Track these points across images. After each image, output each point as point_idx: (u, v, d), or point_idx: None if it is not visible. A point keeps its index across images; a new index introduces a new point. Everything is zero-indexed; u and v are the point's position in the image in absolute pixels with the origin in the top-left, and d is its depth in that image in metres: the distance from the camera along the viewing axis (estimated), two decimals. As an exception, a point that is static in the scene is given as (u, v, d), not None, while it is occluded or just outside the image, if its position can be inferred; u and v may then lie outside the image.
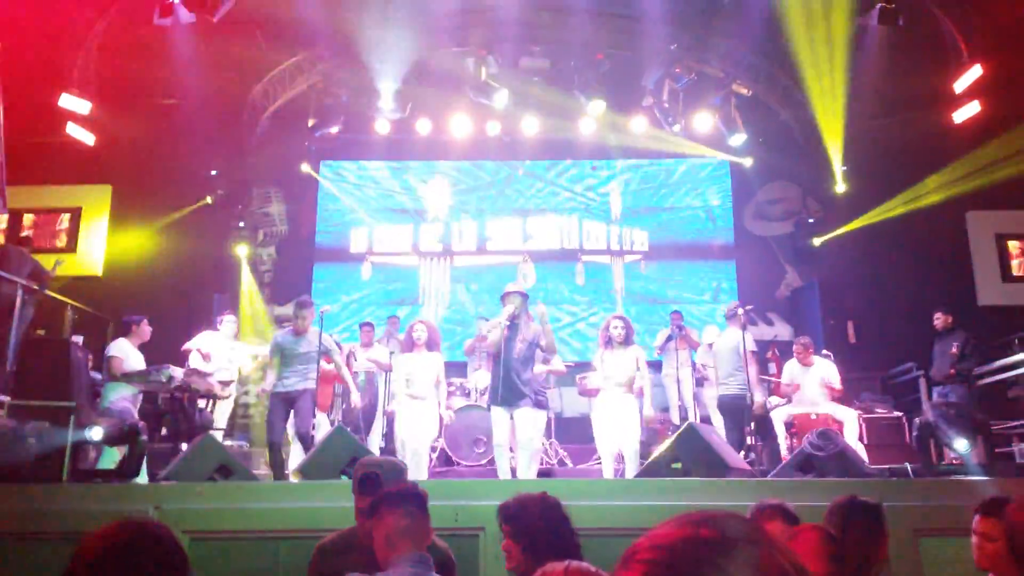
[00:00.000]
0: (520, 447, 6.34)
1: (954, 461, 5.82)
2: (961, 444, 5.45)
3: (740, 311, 7.67)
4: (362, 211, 12.32)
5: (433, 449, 7.65)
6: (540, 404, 6.36)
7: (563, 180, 12.50)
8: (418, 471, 6.48)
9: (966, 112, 9.58)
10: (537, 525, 2.61)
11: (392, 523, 2.55)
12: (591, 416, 6.89)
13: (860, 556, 2.72)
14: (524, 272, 11.96)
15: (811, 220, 11.61)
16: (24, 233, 10.88)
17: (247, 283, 11.46)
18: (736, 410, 7.43)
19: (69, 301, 9.04)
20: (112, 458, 6.07)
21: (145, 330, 7.23)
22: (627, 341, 6.75)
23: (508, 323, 6.31)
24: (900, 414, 8.29)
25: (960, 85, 9.42)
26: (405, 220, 12.37)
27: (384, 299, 11.89)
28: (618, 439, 6.54)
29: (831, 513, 2.91)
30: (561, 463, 8.45)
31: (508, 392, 6.24)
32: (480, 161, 12.43)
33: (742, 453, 7.75)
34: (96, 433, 5.13)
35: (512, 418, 6.27)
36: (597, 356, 6.92)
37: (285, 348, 6.82)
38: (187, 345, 7.84)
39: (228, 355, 7.84)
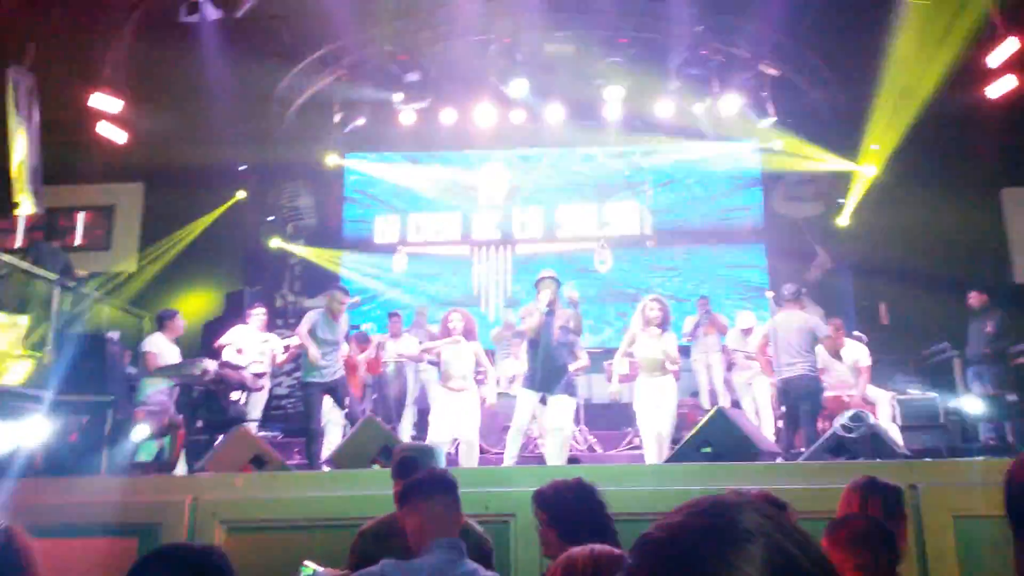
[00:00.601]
0: (551, 433, 6.37)
1: (991, 442, 5.73)
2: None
3: (802, 291, 7.49)
4: (393, 202, 12.36)
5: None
6: (572, 391, 6.40)
7: (592, 167, 12.44)
8: (470, 461, 6.52)
9: (1001, 87, 9.36)
10: (573, 511, 2.62)
11: (424, 510, 2.57)
12: (634, 400, 6.82)
13: None
14: (602, 258, 11.93)
15: (841, 200, 11.44)
16: (59, 232, 11.12)
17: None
18: (809, 392, 7.15)
19: (104, 297, 9.22)
20: (149, 450, 6.21)
21: (179, 324, 7.36)
22: (663, 324, 6.70)
23: (547, 309, 6.35)
24: (935, 395, 8.17)
25: (994, 60, 9.20)
26: (450, 208, 12.35)
27: (422, 290, 11.88)
28: (657, 422, 6.50)
29: (849, 494, 2.89)
30: (591, 449, 8.46)
31: (547, 377, 6.28)
32: (513, 149, 12.42)
33: (773, 436, 7.72)
34: (139, 433, 5.25)
35: (543, 403, 6.32)
36: (627, 338, 6.86)
37: (318, 329, 6.89)
38: (221, 341, 7.94)
39: (260, 347, 7.95)
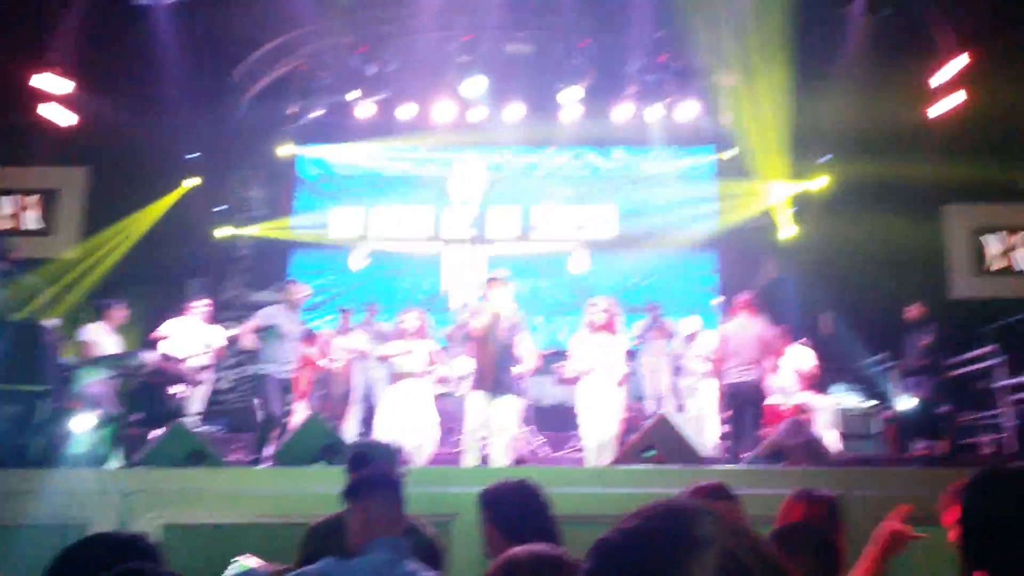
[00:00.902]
0: (497, 434, 6.38)
1: (923, 452, 5.92)
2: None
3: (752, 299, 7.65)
4: (345, 198, 12.22)
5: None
6: (519, 392, 6.44)
7: (546, 168, 12.47)
8: (420, 461, 6.50)
9: (946, 104, 9.65)
10: (516, 510, 2.63)
11: (366, 508, 2.56)
12: (576, 403, 6.85)
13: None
14: (579, 260, 11.90)
15: (792, 210, 11.66)
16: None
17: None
18: (757, 399, 7.33)
19: (42, 284, 8.93)
20: (83, 444, 6.03)
21: (119, 314, 7.16)
22: (610, 327, 6.75)
23: (495, 310, 6.37)
24: (874, 403, 8.40)
25: (940, 77, 9.49)
26: (420, 203, 12.22)
27: (383, 287, 11.73)
28: (601, 424, 6.54)
29: (791, 503, 2.95)
30: (534, 452, 8.48)
31: (497, 379, 6.29)
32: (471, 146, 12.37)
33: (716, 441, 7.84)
34: (81, 423, 5.10)
35: (491, 405, 6.32)
36: (574, 340, 6.89)
37: (281, 325, 6.81)
38: (157, 333, 7.67)
39: (202, 339, 7.77)
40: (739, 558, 0.78)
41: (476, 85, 10.68)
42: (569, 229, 12.12)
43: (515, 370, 6.49)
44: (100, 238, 10.73)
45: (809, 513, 2.87)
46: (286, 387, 6.80)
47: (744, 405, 7.21)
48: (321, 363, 8.35)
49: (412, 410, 6.64)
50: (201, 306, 7.99)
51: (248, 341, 6.86)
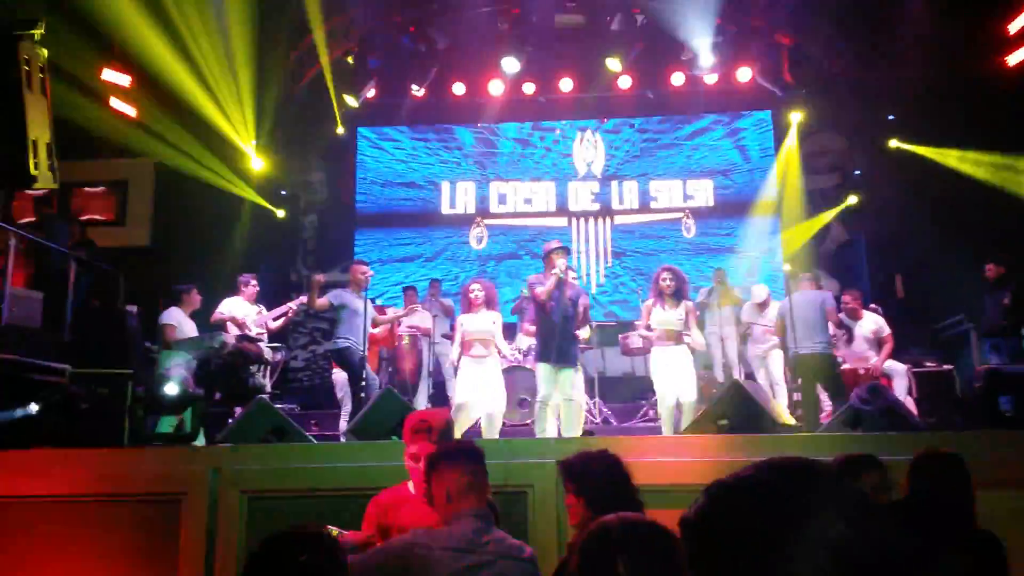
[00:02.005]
0: (564, 404, 6.42)
1: (1007, 414, 5.71)
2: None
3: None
4: (407, 175, 12.33)
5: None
6: (577, 362, 6.47)
7: (603, 139, 12.35)
8: (492, 432, 6.56)
9: (1020, 55, 9.20)
10: (601, 481, 2.63)
11: (453, 479, 2.60)
12: (651, 370, 6.83)
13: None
14: (687, 225, 11.89)
15: (857, 172, 11.33)
16: (74, 208, 11.15)
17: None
18: (824, 368, 7.21)
19: (120, 272, 9.25)
20: (170, 423, 6.26)
21: (195, 298, 7.39)
22: (678, 295, 6.71)
23: (562, 276, 6.40)
24: (950, 367, 8.15)
25: (1015, 26, 9.04)
26: (539, 177, 12.30)
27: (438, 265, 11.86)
28: (676, 391, 6.52)
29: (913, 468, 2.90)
30: (606, 422, 8.50)
31: (560, 349, 6.35)
32: (521, 122, 12.34)
33: (790, 409, 7.73)
34: (171, 388, 5.29)
35: (559, 375, 6.35)
36: (645, 308, 6.87)
37: (350, 306, 6.97)
38: (218, 314, 7.77)
39: (255, 319, 7.90)
40: (863, 516, 0.76)
41: (510, 64, 10.59)
42: (678, 199, 12.05)
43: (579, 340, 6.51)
44: (169, 225, 11.03)
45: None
46: (360, 360, 6.93)
47: (813, 377, 7.13)
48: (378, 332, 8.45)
49: (481, 381, 6.67)
50: (251, 284, 8.06)
51: (321, 309, 7.11)
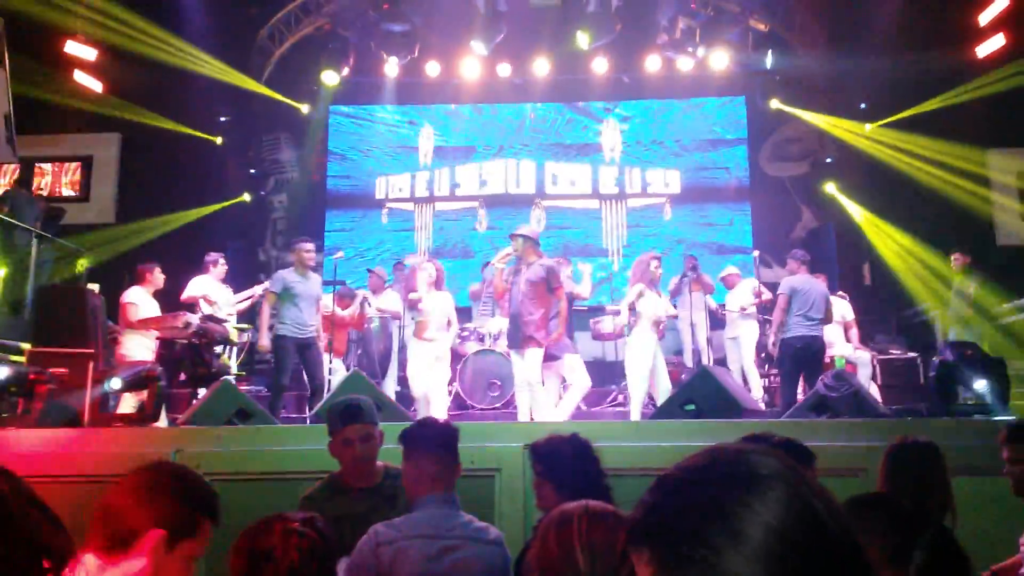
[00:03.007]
0: (519, 387, 6.49)
1: (969, 401, 5.80)
2: (980, 384, 5.42)
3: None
4: (375, 155, 12.21)
5: (448, 393, 7.70)
6: (536, 343, 6.42)
7: (572, 123, 12.30)
8: (437, 413, 6.57)
9: (990, 46, 9.30)
10: (569, 465, 2.62)
11: (425, 465, 2.58)
12: (626, 355, 6.87)
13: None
14: (537, 216, 11.89)
15: (828, 160, 11.41)
16: (36, 182, 10.91)
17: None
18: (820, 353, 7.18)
19: (83, 249, 9.07)
20: (131, 404, 6.16)
21: (158, 277, 7.23)
22: (658, 283, 6.86)
23: (505, 265, 6.44)
24: (915, 355, 8.27)
25: (985, 17, 9.14)
26: (413, 166, 12.24)
27: (399, 246, 11.80)
28: (659, 375, 6.61)
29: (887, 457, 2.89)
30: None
31: (512, 332, 6.48)
32: (492, 104, 12.24)
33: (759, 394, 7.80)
34: (115, 384, 5.20)
35: (523, 358, 6.37)
36: (633, 293, 6.86)
37: (290, 286, 6.74)
38: (188, 294, 7.66)
39: (227, 299, 7.81)
40: (804, 497, 0.75)
41: (478, 46, 10.49)
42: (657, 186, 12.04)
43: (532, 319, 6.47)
44: (135, 202, 10.83)
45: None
46: (303, 347, 6.73)
47: (811, 359, 7.07)
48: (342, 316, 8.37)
49: (427, 362, 6.80)
50: (220, 264, 7.94)
51: (267, 303, 6.83)
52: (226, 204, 11.20)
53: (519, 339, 6.39)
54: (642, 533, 0.78)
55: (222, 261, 7.96)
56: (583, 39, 10.43)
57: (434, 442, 2.65)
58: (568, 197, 12.05)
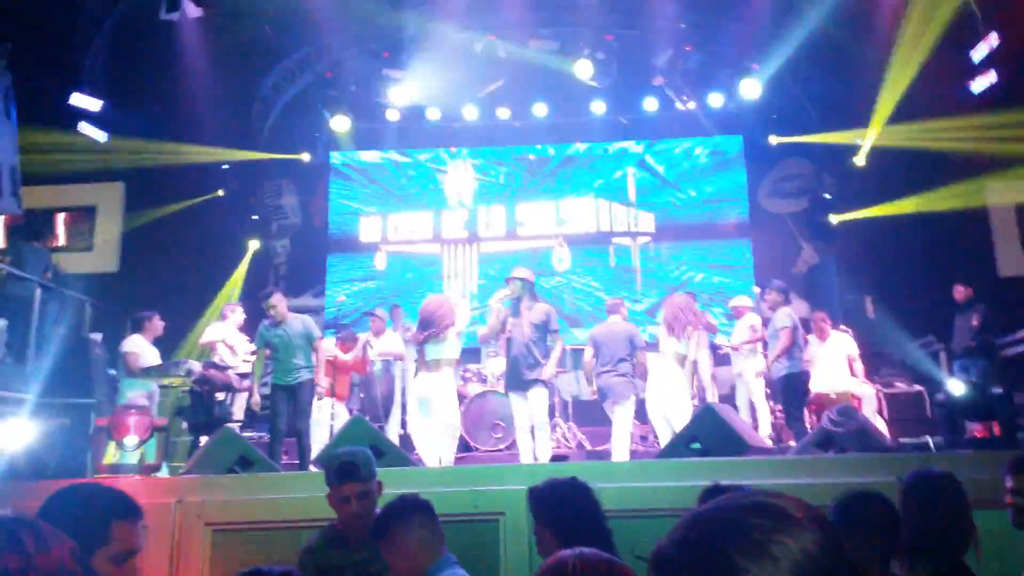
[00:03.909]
0: (536, 428, 6.40)
1: (977, 435, 5.75)
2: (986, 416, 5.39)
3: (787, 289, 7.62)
4: (375, 200, 12.31)
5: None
6: (541, 384, 6.42)
7: (579, 163, 12.40)
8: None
9: (984, 82, 9.42)
10: (569, 510, 2.60)
11: (414, 537, 2.55)
12: (657, 392, 6.79)
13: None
14: (560, 256, 11.91)
15: (827, 196, 11.48)
16: (40, 232, 10.97)
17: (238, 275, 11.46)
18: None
19: (86, 298, 9.10)
20: (133, 453, 6.12)
21: (157, 325, 7.24)
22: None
23: (503, 305, 6.44)
24: (920, 388, 8.22)
25: (978, 55, 9.26)
26: (422, 207, 12.32)
27: (400, 288, 11.83)
28: (670, 415, 6.56)
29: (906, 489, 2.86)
30: (579, 446, 8.44)
31: (516, 376, 6.37)
32: (498, 147, 12.37)
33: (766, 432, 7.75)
34: (131, 442, 5.16)
35: (527, 400, 6.34)
36: (662, 334, 6.90)
37: (268, 340, 6.75)
38: (206, 339, 7.81)
39: (244, 346, 7.88)
40: (830, 535, 0.79)
41: (501, 85, 10.66)
42: (550, 225, 12.12)
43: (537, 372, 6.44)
44: (138, 251, 10.89)
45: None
46: (290, 393, 6.71)
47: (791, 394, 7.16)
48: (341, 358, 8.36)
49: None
50: (237, 312, 8.08)
51: (257, 360, 6.94)
52: (245, 261, 11.34)
53: (524, 381, 6.37)
54: (675, 566, 0.79)
55: (240, 309, 8.10)
56: (584, 68, 10.51)
57: (413, 511, 2.63)
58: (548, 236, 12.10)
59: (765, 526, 0.78)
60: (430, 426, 6.25)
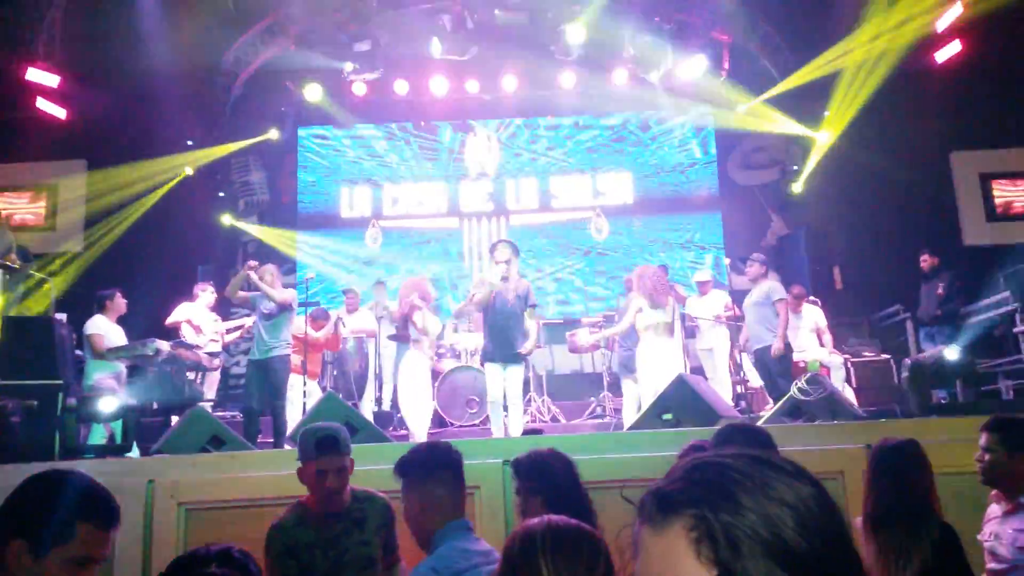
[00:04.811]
0: (512, 403, 6.42)
1: (942, 401, 5.88)
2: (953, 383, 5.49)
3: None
4: (359, 173, 12.13)
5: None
6: (524, 359, 6.49)
7: (545, 139, 12.33)
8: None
9: (948, 52, 9.51)
10: (556, 478, 2.60)
11: (430, 492, 2.46)
12: (638, 364, 6.92)
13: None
14: (598, 226, 11.86)
15: (795, 167, 11.56)
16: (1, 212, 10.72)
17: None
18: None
19: (50, 278, 8.93)
20: (101, 434, 6.05)
21: (120, 303, 7.12)
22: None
23: (495, 280, 6.41)
24: (888, 357, 8.37)
25: (942, 24, 9.34)
26: (432, 179, 12.14)
27: (404, 263, 11.69)
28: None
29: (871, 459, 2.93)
30: (554, 419, 8.50)
31: (505, 348, 6.34)
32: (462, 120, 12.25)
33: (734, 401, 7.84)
34: (106, 404, 5.09)
35: (505, 373, 6.36)
36: (634, 305, 6.91)
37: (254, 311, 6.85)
38: (173, 319, 7.74)
39: (212, 326, 7.80)
40: (823, 489, 0.81)
41: (469, 56, 10.54)
42: (586, 197, 12.00)
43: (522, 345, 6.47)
44: (102, 229, 10.68)
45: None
46: (261, 368, 6.74)
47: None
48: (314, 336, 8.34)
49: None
50: (207, 292, 8.01)
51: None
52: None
53: (511, 354, 6.37)
54: (678, 501, 0.80)
55: (211, 289, 8.03)
56: (576, 32, 10.41)
57: (436, 463, 2.54)
58: (528, 211, 12.06)
59: (767, 473, 0.80)
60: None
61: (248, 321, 8.01)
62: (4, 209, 10.93)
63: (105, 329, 6.83)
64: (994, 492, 3.05)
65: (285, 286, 7.46)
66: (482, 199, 12.07)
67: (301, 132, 12.20)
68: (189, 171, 11.06)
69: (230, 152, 11.41)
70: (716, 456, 0.84)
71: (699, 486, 0.80)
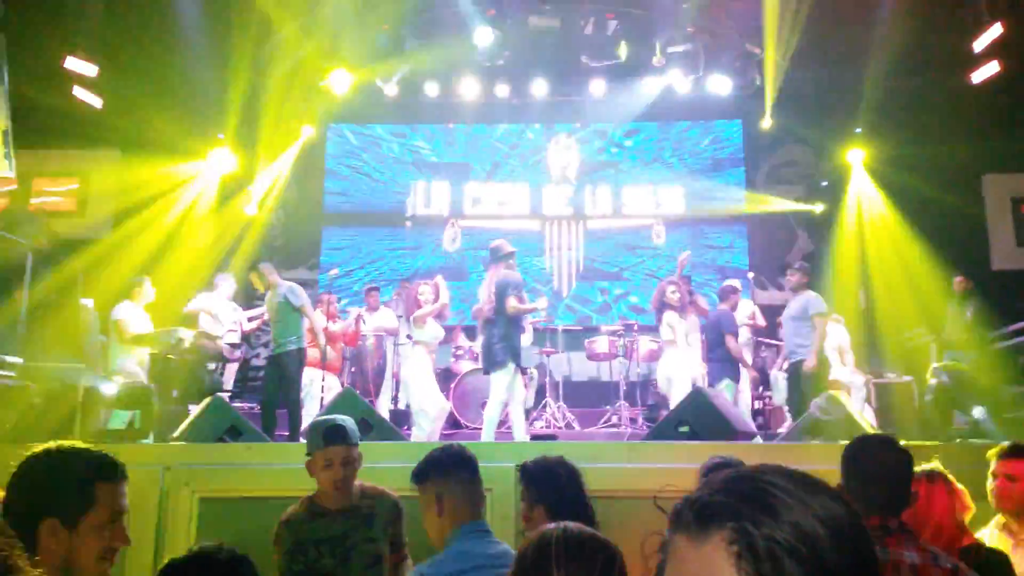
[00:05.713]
0: (511, 409, 6.51)
1: (963, 426, 5.79)
2: (978, 409, 5.41)
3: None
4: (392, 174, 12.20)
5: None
6: (500, 363, 6.50)
7: (573, 143, 12.33)
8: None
9: (984, 72, 9.38)
10: (562, 487, 2.59)
11: (447, 491, 2.48)
12: (658, 375, 7.18)
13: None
14: (657, 231, 11.89)
15: (824, 184, 11.45)
16: (34, 199, 10.89)
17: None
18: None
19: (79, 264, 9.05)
20: (121, 420, 6.11)
21: (148, 291, 7.22)
22: (682, 305, 7.34)
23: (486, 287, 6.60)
24: (910, 379, 8.24)
25: (979, 44, 9.21)
26: (514, 180, 12.18)
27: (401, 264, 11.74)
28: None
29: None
30: (568, 426, 8.48)
31: (486, 355, 6.66)
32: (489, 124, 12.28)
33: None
34: (109, 387, 5.16)
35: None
36: (665, 320, 7.23)
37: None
38: (190, 308, 7.76)
39: (231, 316, 7.86)
40: (841, 519, 0.81)
41: (498, 59, 10.56)
42: (649, 206, 12.02)
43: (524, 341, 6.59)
44: (132, 217, 10.81)
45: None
46: (276, 363, 6.84)
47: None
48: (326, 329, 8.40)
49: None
50: (227, 281, 8.06)
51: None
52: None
53: (491, 360, 6.57)
54: (725, 511, 0.80)
55: (232, 279, 8.12)
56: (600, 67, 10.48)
57: (455, 465, 2.55)
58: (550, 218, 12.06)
59: (805, 490, 0.81)
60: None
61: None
62: (37, 195, 11.10)
63: (132, 316, 6.93)
64: (1004, 521, 2.99)
65: (307, 282, 7.52)
66: (562, 203, 12.12)
67: (332, 128, 12.29)
68: (220, 163, 11.16)
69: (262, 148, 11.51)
70: (754, 470, 0.85)
71: (740, 499, 0.81)
